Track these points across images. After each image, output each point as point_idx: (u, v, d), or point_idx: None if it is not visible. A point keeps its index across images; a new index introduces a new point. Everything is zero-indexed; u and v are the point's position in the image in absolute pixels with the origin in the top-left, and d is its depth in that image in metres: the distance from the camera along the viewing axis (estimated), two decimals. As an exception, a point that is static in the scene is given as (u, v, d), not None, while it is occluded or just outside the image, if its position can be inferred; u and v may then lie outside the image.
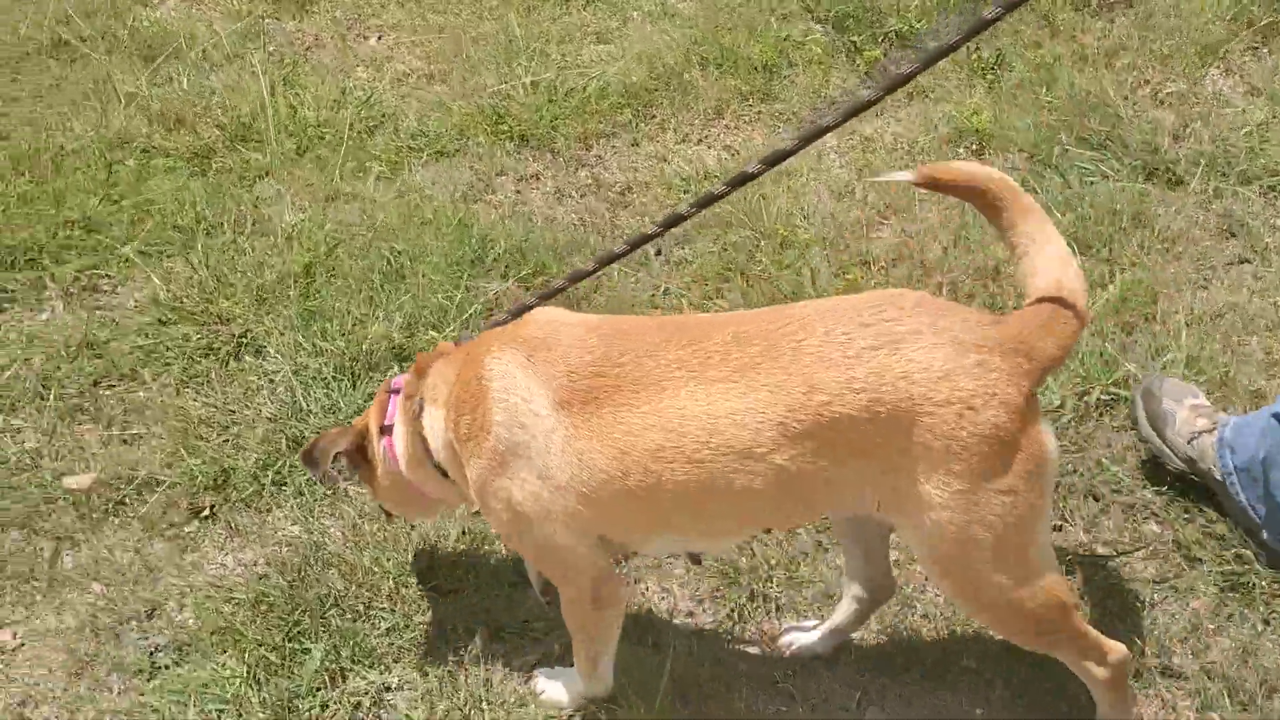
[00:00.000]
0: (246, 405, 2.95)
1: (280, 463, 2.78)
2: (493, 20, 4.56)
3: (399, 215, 3.56)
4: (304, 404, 2.91)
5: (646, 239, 1.98)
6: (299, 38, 4.57)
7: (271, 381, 3.01)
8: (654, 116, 4.02)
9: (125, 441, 2.89)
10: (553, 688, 2.24)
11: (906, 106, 3.96)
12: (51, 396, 2.98)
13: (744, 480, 1.73)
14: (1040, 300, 1.75)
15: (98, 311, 3.28)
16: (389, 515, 2.47)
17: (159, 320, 3.20)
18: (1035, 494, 1.69)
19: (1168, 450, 2.54)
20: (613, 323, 1.97)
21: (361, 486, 2.42)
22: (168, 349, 3.11)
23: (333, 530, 2.64)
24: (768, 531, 2.22)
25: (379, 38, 4.59)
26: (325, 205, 3.64)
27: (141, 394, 3.00)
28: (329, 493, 2.68)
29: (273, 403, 2.94)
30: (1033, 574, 1.76)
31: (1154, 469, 2.62)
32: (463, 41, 4.42)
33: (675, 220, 1.92)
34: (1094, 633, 1.87)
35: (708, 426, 1.72)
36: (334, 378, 2.98)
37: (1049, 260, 1.78)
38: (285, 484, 2.75)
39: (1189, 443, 2.49)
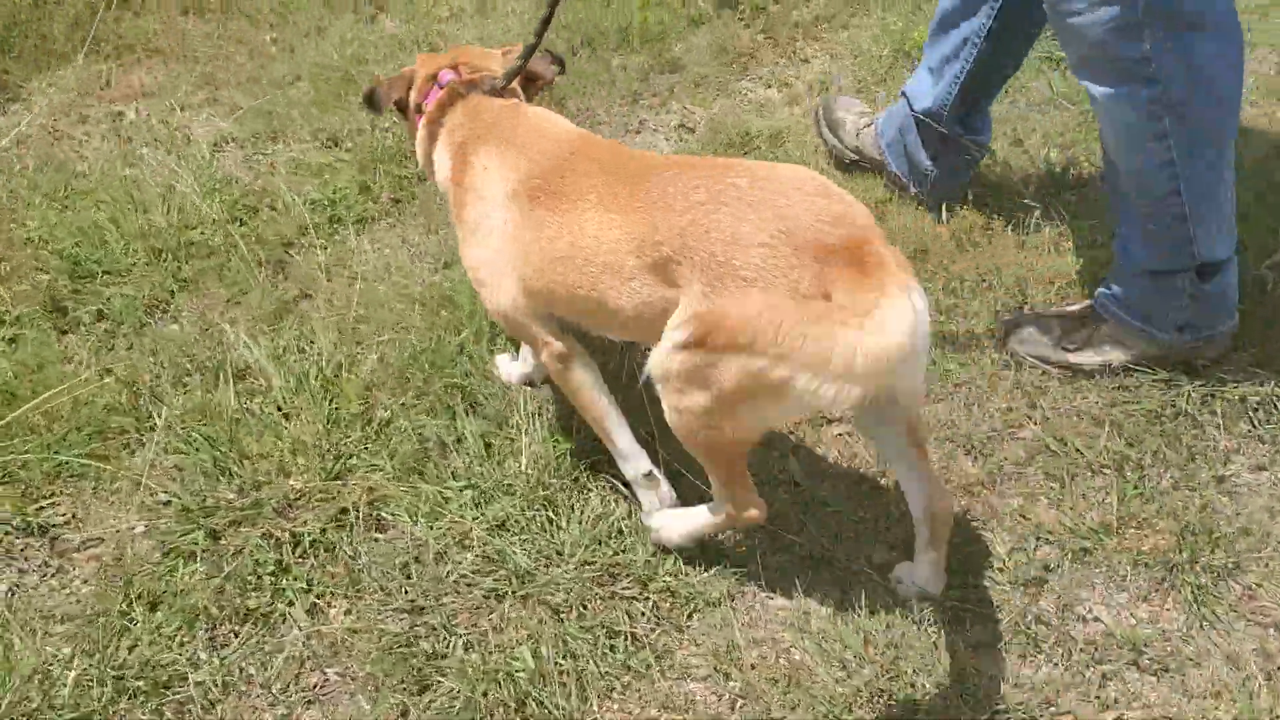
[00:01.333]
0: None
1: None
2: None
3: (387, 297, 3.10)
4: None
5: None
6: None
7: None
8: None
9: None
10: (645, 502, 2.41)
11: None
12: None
13: (614, 295, 2.06)
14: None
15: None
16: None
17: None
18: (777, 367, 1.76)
19: (842, 146, 3.40)
20: (580, 143, 2.28)
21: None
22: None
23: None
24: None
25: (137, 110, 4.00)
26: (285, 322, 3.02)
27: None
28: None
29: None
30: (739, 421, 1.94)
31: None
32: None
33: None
34: (750, 484, 2.14)
35: (593, 247, 2.06)
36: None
37: None
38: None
39: (856, 136, 3.36)
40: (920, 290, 1.81)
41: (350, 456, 2.59)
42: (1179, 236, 2.46)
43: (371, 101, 2.54)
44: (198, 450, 2.59)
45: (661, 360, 1.92)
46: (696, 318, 1.85)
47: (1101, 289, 2.67)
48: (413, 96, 2.53)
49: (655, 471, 2.38)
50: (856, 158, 3.38)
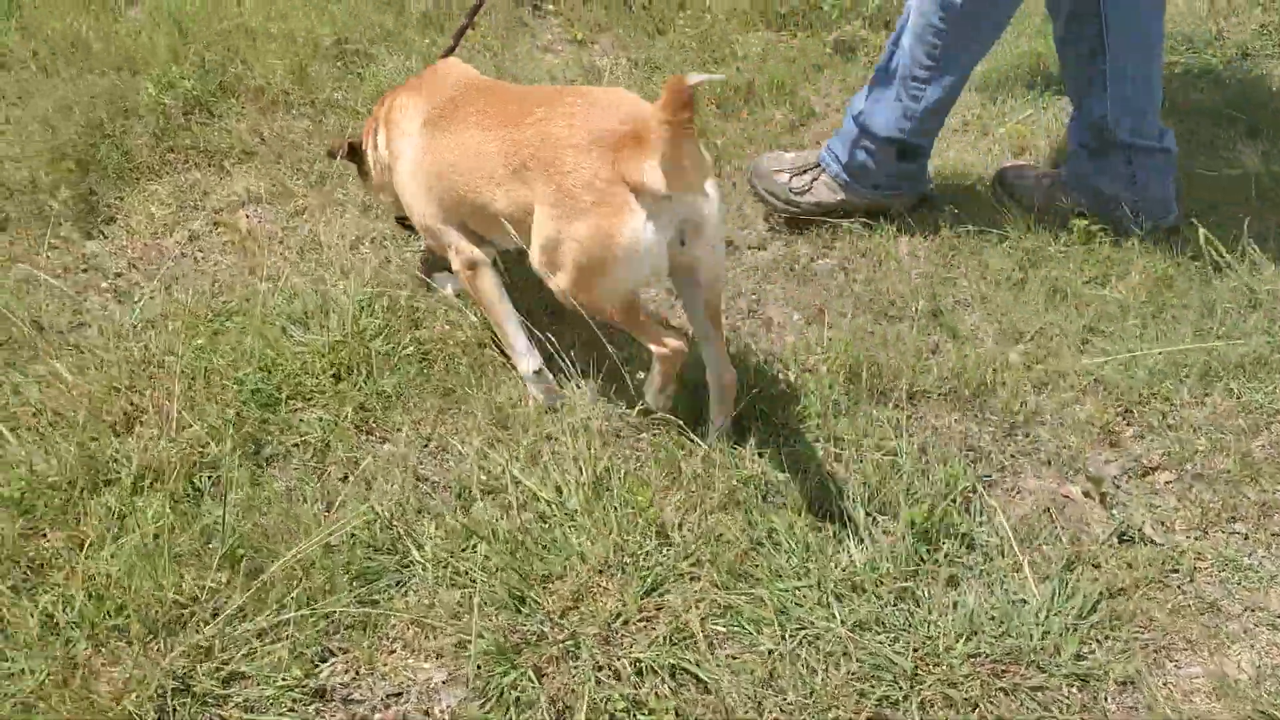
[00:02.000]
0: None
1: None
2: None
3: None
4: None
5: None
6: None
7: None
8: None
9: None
10: (531, 388, 2.82)
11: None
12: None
13: (488, 199, 2.50)
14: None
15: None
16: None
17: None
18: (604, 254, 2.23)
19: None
20: (479, 82, 2.82)
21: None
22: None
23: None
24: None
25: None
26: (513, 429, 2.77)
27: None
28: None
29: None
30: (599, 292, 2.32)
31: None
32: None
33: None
34: (656, 327, 2.40)
35: (473, 156, 2.51)
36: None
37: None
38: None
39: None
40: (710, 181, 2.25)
41: (658, 566, 2.33)
42: (908, 115, 3.07)
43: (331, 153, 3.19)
44: (483, 580, 2.31)
45: (533, 260, 2.42)
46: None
47: (826, 146, 3.26)
48: (365, 139, 3.07)
49: (544, 369, 2.79)
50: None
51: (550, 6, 4.66)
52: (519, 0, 4.69)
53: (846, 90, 4.18)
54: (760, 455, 2.57)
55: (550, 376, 2.81)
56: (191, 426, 2.76)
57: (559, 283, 2.36)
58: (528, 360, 2.78)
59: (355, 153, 3.11)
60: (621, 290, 2.31)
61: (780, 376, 2.85)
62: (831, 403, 2.70)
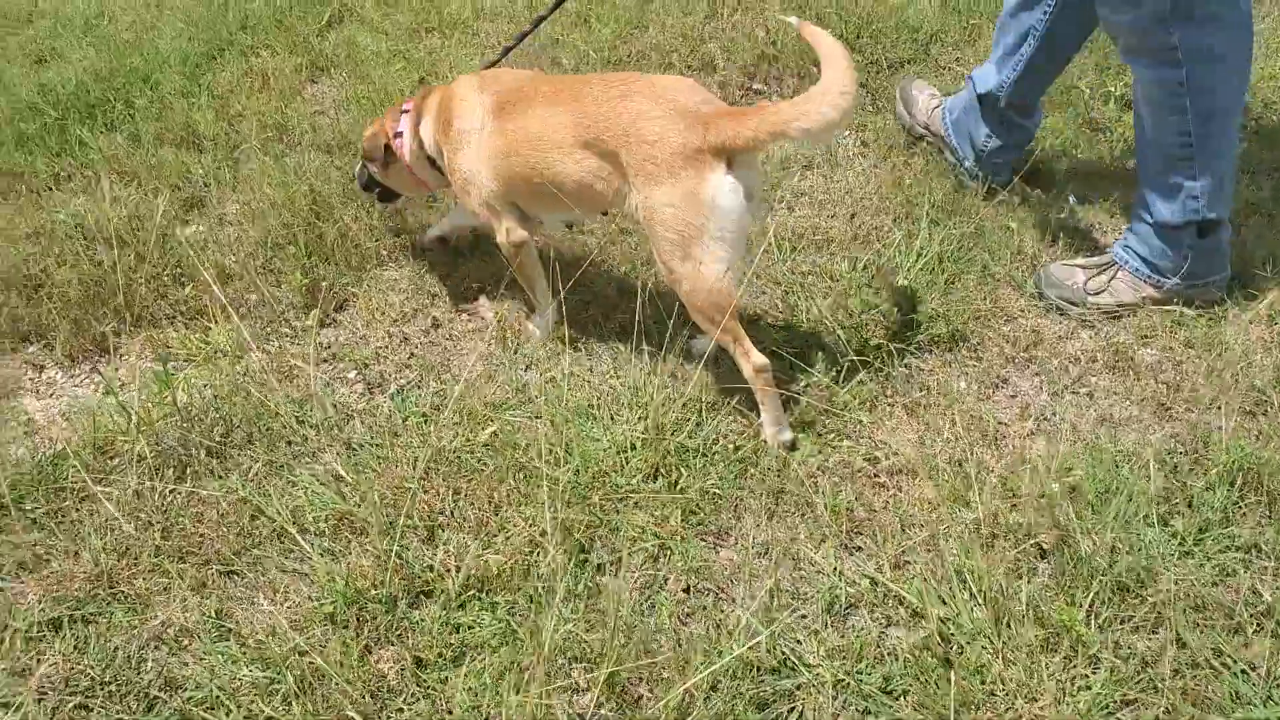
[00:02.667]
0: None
1: None
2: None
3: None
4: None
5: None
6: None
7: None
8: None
9: None
10: (533, 327, 3.27)
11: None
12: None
13: (560, 167, 2.76)
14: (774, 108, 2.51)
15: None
16: (385, 198, 3.56)
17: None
18: (693, 212, 2.53)
19: (913, 121, 3.84)
20: (533, 75, 3.13)
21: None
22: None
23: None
24: (605, 214, 3.12)
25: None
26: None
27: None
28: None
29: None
30: (701, 274, 2.59)
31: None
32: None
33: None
34: (747, 340, 2.67)
35: (543, 131, 2.78)
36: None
37: (826, 81, 2.43)
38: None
39: (927, 115, 3.79)
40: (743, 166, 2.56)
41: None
42: (1190, 195, 2.93)
43: (371, 161, 3.34)
44: (886, 707, 2.05)
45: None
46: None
47: (1119, 241, 3.17)
48: (389, 130, 3.24)
49: (549, 315, 3.20)
50: (925, 133, 3.83)
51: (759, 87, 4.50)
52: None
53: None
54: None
55: (552, 321, 3.23)
56: (507, 530, 2.53)
57: (681, 265, 2.64)
58: (545, 313, 3.22)
59: (387, 150, 3.28)
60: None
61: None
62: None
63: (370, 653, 2.31)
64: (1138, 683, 2.10)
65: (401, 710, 2.19)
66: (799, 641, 2.26)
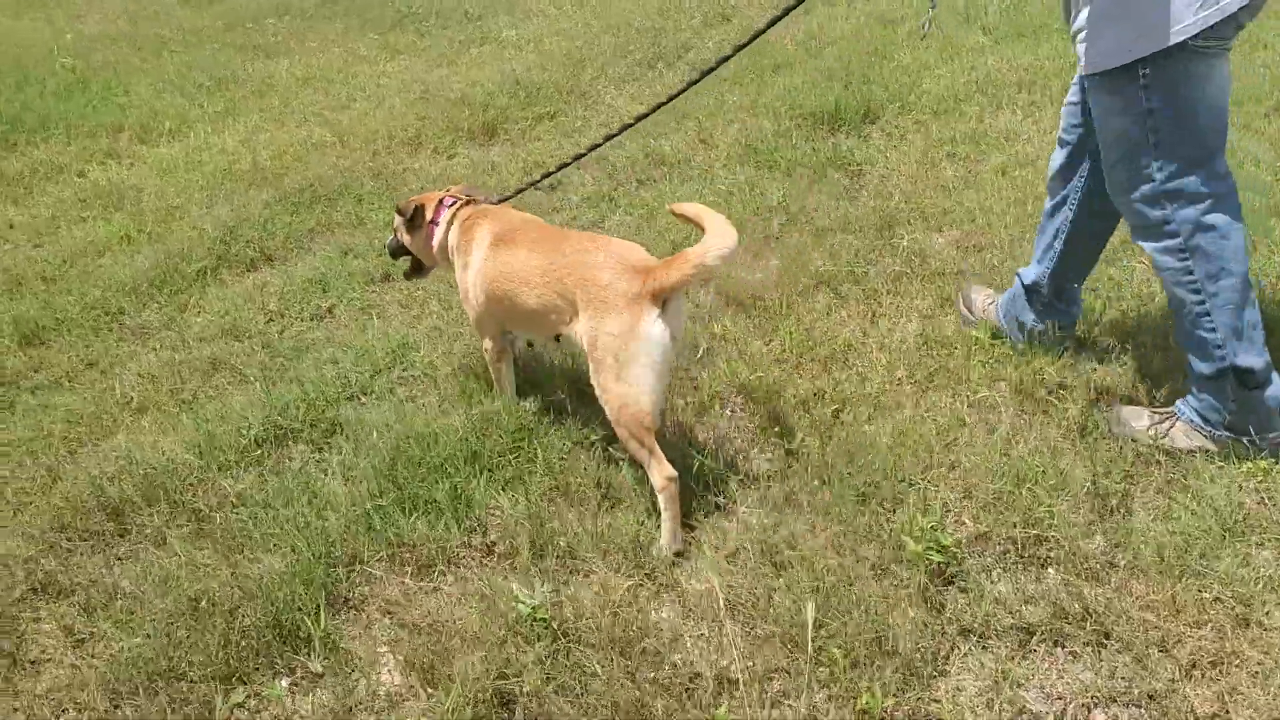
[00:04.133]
0: None
1: None
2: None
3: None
4: None
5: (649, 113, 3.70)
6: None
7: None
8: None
9: None
10: None
11: None
12: None
13: (526, 298, 3.30)
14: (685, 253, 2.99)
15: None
16: (413, 272, 4.05)
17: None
18: (630, 341, 3.01)
19: (974, 318, 4.08)
20: (527, 221, 3.62)
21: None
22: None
23: None
24: (556, 338, 3.43)
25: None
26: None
27: None
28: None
29: None
30: (629, 394, 3.05)
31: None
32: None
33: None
34: (660, 453, 3.07)
35: (520, 269, 3.33)
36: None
37: (710, 229, 3.00)
38: None
39: (984, 310, 4.07)
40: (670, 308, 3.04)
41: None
42: (1215, 345, 3.18)
43: (400, 214, 3.88)
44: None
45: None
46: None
47: (1183, 398, 3.38)
48: (429, 214, 3.78)
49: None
50: (983, 323, 4.06)
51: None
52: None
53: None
54: None
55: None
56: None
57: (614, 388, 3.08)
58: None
59: (417, 213, 3.80)
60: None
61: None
62: None
63: None
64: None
65: None
66: None
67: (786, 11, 3.31)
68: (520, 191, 4.01)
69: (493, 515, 3.25)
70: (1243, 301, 3.15)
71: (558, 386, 3.79)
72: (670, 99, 3.60)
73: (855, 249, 4.69)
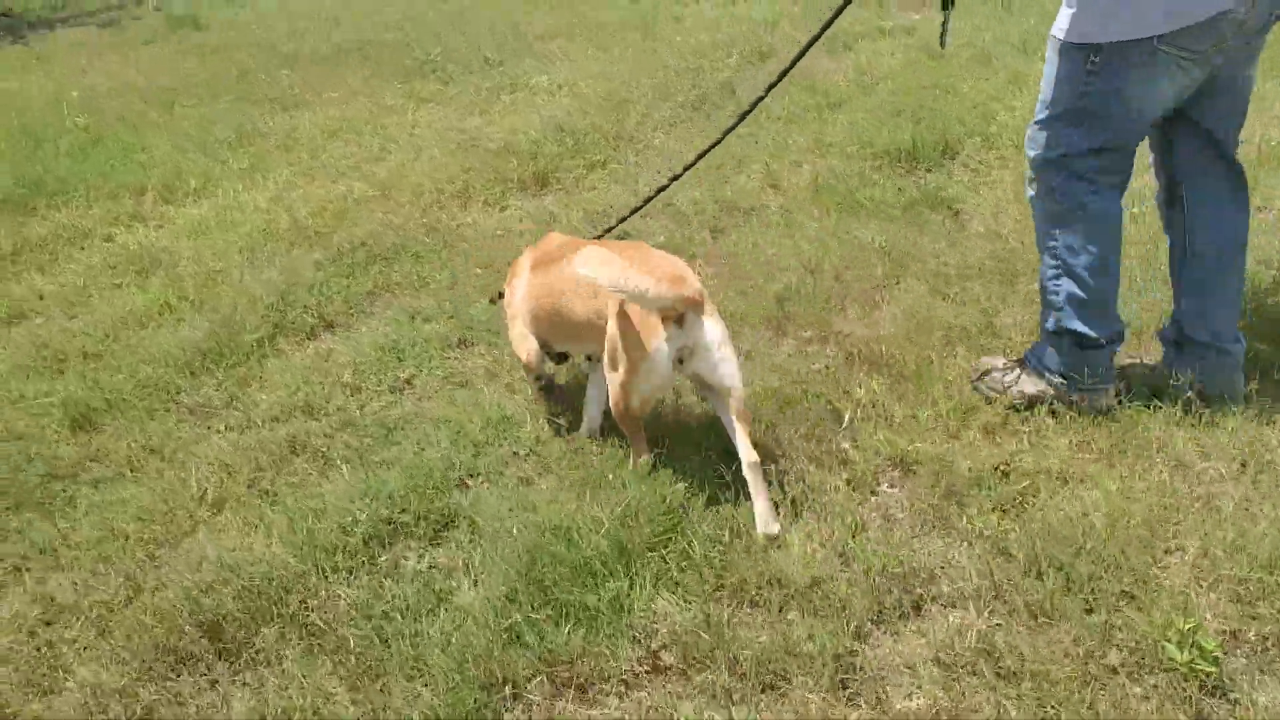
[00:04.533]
0: None
1: None
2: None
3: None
4: None
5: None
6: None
7: None
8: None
9: None
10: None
11: None
12: None
13: (573, 309, 3.42)
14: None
15: None
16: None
17: None
18: (638, 353, 3.11)
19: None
20: (567, 239, 3.81)
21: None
22: None
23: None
24: (589, 359, 3.69)
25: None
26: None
27: None
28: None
29: None
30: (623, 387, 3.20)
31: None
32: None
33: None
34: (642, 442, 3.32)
35: (568, 282, 3.40)
36: None
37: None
38: None
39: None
40: (707, 319, 3.12)
41: None
42: (1055, 307, 3.46)
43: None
44: None
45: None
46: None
47: (1030, 347, 3.67)
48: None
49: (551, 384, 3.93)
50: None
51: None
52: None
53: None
54: None
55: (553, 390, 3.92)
56: None
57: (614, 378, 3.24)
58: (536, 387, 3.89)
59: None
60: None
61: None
62: None
63: None
64: None
65: None
66: None
67: (826, 25, 3.49)
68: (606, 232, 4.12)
69: (656, 622, 2.83)
70: (1095, 279, 3.35)
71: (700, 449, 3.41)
72: (727, 131, 3.82)
73: (980, 297, 4.33)
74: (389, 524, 3.33)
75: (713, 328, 3.13)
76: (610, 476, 3.29)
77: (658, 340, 3.06)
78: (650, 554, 3.01)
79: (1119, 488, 3.08)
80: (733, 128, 3.81)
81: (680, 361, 3.13)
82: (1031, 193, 3.47)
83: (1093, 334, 3.40)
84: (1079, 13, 3.14)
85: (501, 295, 4.00)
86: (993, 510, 3.07)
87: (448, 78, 9.48)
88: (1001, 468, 3.21)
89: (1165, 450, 3.25)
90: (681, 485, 3.21)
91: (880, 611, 2.78)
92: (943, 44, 3.53)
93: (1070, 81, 3.23)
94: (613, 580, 2.89)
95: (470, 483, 3.56)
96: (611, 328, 3.19)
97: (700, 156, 3.91)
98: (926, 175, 5.87)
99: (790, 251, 4.98)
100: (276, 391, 4.34)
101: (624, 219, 4.19)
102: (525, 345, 3.72)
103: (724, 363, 3.16)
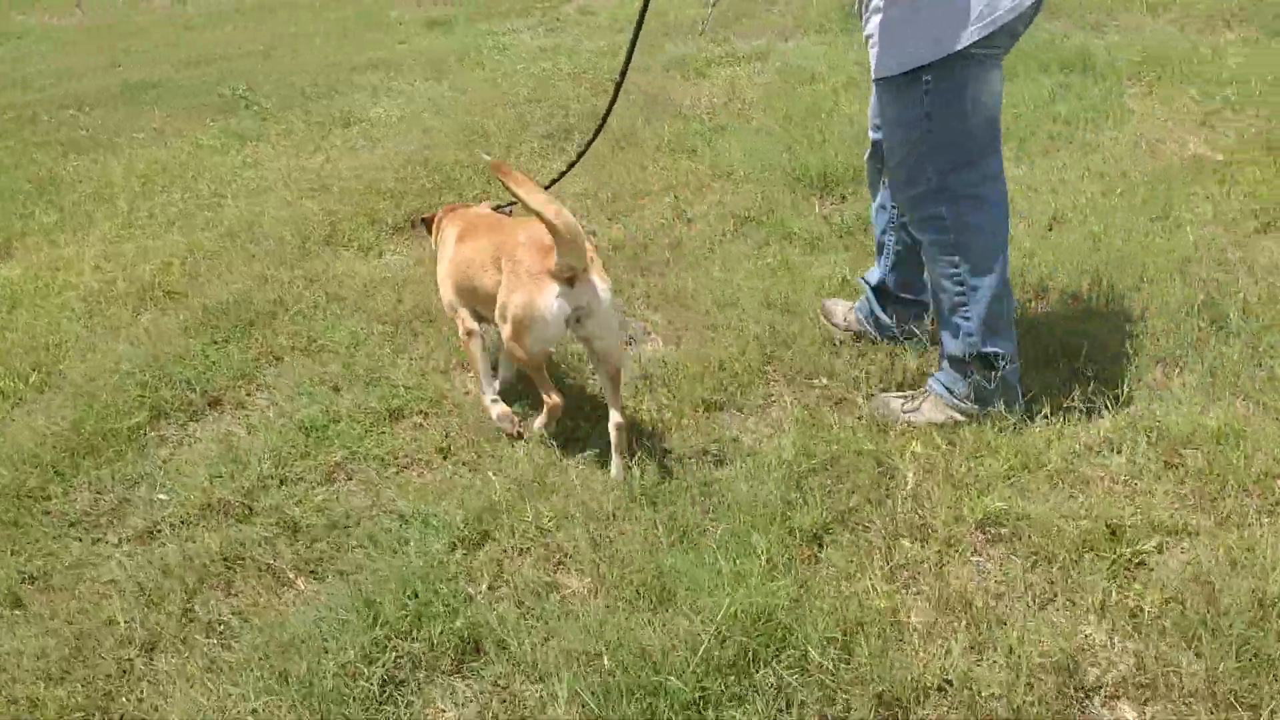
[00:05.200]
0: None
1: None
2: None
3: None
4: None
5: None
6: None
7: None
8: None
9: None
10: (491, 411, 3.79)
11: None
12: None
13: (481, 279, 3.55)
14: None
15: None
16: None
17: None
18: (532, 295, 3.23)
19: (836, 328, 4.22)
20: (482, 214, 4.05)
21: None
22: None
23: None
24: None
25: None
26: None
27: None
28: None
29: None
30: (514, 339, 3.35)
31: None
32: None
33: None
34: (549, 382, 3.47)
35: (477, 254, 3.60)
36: None
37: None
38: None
39: (844, 320, 4.24)
40: (594, 280, 3.22)
41: None
42: (967, 333, 3.41)
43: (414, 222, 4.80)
44: None
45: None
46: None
47: (932, 376, 3.64)
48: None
49: (499, 399, 3.81)
50: (850, 332, 4.17)
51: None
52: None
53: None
54: None
55: (503, 405, 3.76)
56: None
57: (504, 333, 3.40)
58: (488, 393, 3.82)
59: (426, 225, 4.28)
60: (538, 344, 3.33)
61: None
62: None
63: None
64: None
65: None
66: None
67: (639, 25, 3.56)
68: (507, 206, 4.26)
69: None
70: (1000, 296, 3.36)
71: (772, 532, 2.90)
72: (586, 146, 4.03)
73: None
74: (393, 651, 2.67)
75: (603, 287, 3.28)
76: (679, 577, 2.74)
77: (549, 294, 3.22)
78: (763, 669, 2.49)
79: (1238, 539, 2.77)
80: (589, 143, 4.03)
81: (578, 320, 3.26)
82: (925, 239, 3.44)
83: (1001, 352, 3.42)
84: (901, 42, 3.18)
85: (425, 222, 4.32)
86: (1112, 576, 2.70)
87: (265, 114, 8.62)
88: (1111, 525, 2.85)
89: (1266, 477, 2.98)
90: (782, 587, 2.69)
91: (1052, 716, 2.35)
92: (701, 31, 3.56)
93: (911, 114, 3.25)
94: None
95: (475, 590, 2.93)
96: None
97: (559, 177, 4.29)
98: (842, 203, 5.56)
99: (748, 289, 4.54)
100: (180, 489, 3.55)
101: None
102: (459, 313, 3.82)
103: (608, 325, 3.32)
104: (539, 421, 3.59)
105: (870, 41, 3.29)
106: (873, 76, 3.34)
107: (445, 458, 3.63)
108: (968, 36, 3.08)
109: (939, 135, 3.23)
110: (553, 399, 3.47)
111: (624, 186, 5.98)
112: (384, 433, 3.82)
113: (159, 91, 9.66)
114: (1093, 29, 8.73)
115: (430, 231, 4.20)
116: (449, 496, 3.33)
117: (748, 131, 6.76)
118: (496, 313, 3.40)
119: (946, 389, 3.53)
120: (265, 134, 8.07)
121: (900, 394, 3.67)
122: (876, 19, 3.23)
